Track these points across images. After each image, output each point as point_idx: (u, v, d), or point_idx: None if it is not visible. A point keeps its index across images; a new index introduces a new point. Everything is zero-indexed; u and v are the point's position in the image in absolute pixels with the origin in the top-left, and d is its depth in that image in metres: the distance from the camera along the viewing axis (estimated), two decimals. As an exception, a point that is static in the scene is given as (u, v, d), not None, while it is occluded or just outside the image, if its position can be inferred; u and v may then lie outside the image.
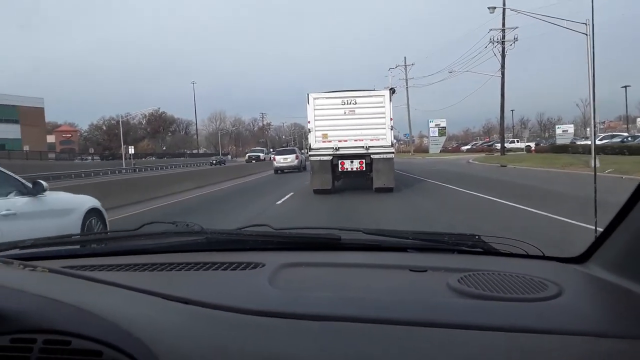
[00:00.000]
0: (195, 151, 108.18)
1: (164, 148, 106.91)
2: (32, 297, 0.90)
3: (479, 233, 1.54)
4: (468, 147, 70.10)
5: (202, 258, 1.43)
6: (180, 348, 0.84)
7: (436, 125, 68.25)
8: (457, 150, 68.55)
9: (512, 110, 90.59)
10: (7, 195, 5.35)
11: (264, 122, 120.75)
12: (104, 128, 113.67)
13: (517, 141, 60.99)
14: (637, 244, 1.06)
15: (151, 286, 1.08)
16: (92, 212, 6.65)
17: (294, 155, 28.93)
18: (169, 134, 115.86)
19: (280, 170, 27.60)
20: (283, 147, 44.03)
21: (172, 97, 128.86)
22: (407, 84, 66.40)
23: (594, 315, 1.00)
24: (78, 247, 1.68)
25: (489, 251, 1.50)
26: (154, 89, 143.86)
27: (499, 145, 54.83)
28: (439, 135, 68.70)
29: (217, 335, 0.91)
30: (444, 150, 68.63)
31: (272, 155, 32.52)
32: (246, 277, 1.27)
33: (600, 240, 1.22)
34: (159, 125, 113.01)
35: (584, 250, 1.30)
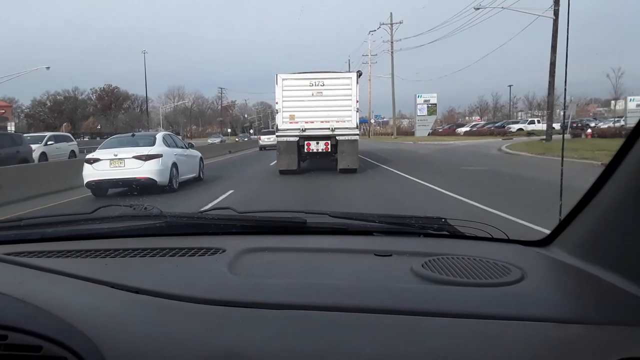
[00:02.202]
0: (151, 131, 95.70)
1: (113, 127, 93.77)
2: None
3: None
4: (466, 128, 56.68)
5: (160, 243, 1.38)
6: (127, 340, 0.82)
7: (425, 101, 56.28)
8: (451, 132, 55.24)
9: (510, 86, 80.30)
10: (183, 147, 12.88)
11: (227, 101, 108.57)
12: (48, 104, 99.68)
13: (538, 121, 47.48)
14: (600, 228, 1.06)
15: (101, 275, 1.05)
16: (201, 159, 14.13)
17: (274, 136, 34.30)
18: (122, 111, 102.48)
19: (264, 148, 34.01)
20: (262, 129, 55.94)
21: (127, 73, 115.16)
22: (392, 48, 53.97)
23: (556, 301, 1.00)
24: (27, 231, 1.56)
25: (455, 234, 1.50)
26: (108, 64, 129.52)
27: (514, 127, 46.09)
28: (428, 114, 56.78)
29: (169, 326, 0.87)
30: (433, 132, 56.88)
31: (259, 136, 40.27)
32: (205, 263, 1.23)
33: (564, 223, 1.21)
34: (110, 101, 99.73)
35: (547, 234, 1.30)
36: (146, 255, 1.29)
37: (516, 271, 1.08)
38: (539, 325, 0.85)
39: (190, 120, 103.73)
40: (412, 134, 59.40)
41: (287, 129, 13.89)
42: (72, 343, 0.78)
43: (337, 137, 13.74)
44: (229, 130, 79.73)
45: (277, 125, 14.21)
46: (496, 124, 53.33)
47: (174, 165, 11.21)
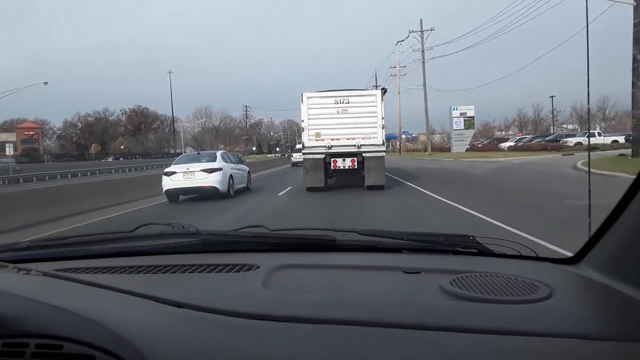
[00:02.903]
0: (178, 150, 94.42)
1: (143, 147, 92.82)
2: (25, 302, 0.91)
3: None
4: (510, 143, 49.47)
5: (197, 260, 1.44)
6: (172, 352, 0.85)
7: (461, 114, 51.46)
8: (493, 147, 49.34)
9: (552, 97, 71.18)
10: (235, 162, 15.49)
11: (253, 119, 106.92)
12: (79, 125, 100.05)
13: (599, 134, 41.51)
14: (628, 245, 1.07)
15: (145, 289, 1.10)
16: (249, 172, 16.77)
17: None
18: (152, 132, 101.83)
19: (295, 165, 33.20)
20: (288, 146, 63.86)
21: (156, 94, 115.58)
22: (423, 57, 48.49)
23: (584, 317, 1.00)
24: (73, 249, 1.66)
25: (483, 252, 1.50)
26: (137, 86, 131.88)
27: (571, 141, 38.28)
28: (465, 128, 51.70)
29: (209, 339, 0.91)
30: (471, 148, 51.04)
31: (291, 154, 42.47)
32: (240, 279, 1.27)
33: (593, 241, 1.22)
34: (140, 122, 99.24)
35: (577, 251, 1.30)
36: (185, 272, 1.34)
37: (544, 288, 1.08)
38: (568, 342, 0.86)
39: (216, 139, 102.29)
40: (447, 149, 55.13)
41: (314, 146, 13.95)
42: (122, 353, 0.82)
43: (363, 154, 13.70)
44: (254, 148, 77.63)
45: (303, 143, 14.30)
46: (546, 138, 46.45)
47: (231, 176, 14.02)
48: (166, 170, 13.74)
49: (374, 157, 13.69)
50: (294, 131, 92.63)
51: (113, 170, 46.55)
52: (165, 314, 0.99)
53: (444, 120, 51.51)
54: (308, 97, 13.94)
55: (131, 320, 0.94)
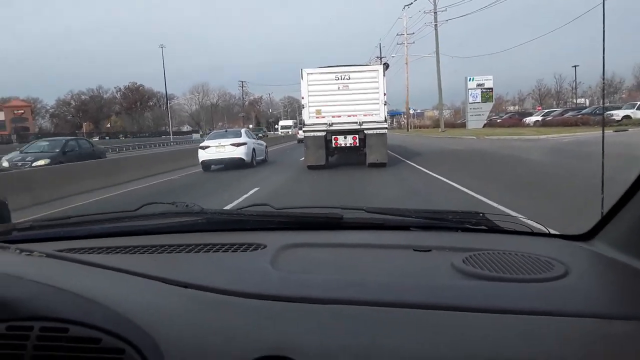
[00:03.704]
0: (174, 129, 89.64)
1: (139, 125, 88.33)
2: (29, 284, 0.90)
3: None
4: (536, 118, 41.45)
5: (202, 239, 1.40)
6: (180, 333, 0.84)
7: (478, 85, 45.00)
8: (516, 123, 42.13)
9: (575, 66, 63.24)
10: (255, 139, 18.38)
11: (252, 96, 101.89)
12: (73, 103, 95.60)
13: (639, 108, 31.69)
14: None
15: (150, 270, 1.08)
16: (266, 147, 19.23)
17: None
18: (148, 110, 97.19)
19: (300, 141, 33.99)
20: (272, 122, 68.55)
21: (152, 71, 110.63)
22: (435, 19, 42.00)
23: (603, 296, 0.98)
24: (76, 228, 1.63)
25: (493, 229, 1.47)
26: (133, 63, 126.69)
27: (617, 114, 29.90)
28: (482, 101, 45.16)
29: (219, 319, 0.90)
30: (489, 123, 44.82)
31: (297, 130, 42.65)
32: (248, 259, 1.25)
33: (607, 217, 1.19)
34: (135, 99, 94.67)
35: (590, 228, 1.27)
36: (191, 251, 1.31)
37: (559, 266, 1.05)
38: (586, 321, 0.85)
39: (213, 116, 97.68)
40: (460, 125, 50.18)
41: (314, 124, 13.72)
42: (129, 335, 0.81)
43: (365, 131, 13.45)
44: (251, 126, 73.51)
45: (303, 121, 14.15)
46: (582, 111, 37.83)
47: (253, 150, 16.79)
48: (201, 144, 16.55)
49: (376, 134, 13.35)
50: (294, 108, 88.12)
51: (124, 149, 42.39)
52: (173, 295, 0.96)
53: (453, 95, 45.95)
54: (308, 74, 13.57)
55: (138, 302, 0.92)
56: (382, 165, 13.36)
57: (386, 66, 14.53)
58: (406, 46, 53.27)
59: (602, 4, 1.36)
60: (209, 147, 15.98)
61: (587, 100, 67.43)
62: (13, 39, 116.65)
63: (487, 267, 1.06)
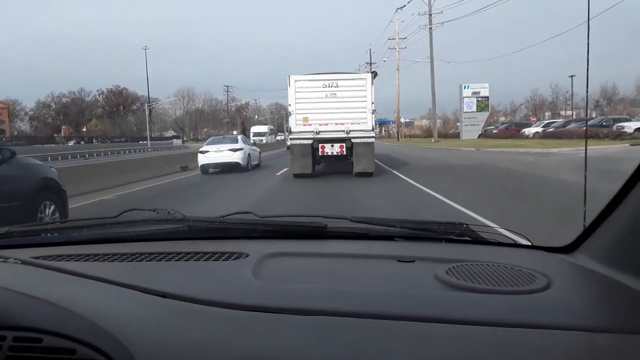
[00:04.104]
0: (162, 134, 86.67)
1: (121, 130, 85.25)
2: (2, 292, 0.89)
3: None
4: (536, 129, 38.55)
5: (184, 247, 1.39)
6: (157, 344, 0.83)
7: (473, 93, 43.14)
8: (513, 134, 39.57)
9: (572, 76, 61.05)
10: (250, 145, 19.77)
11: (239, 102, 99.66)
12: (53, 106, 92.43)
13: None
14: (627, 234, 1.05)
15: (128, 278, 1.07)
16: (259, 152, 20.80)
17: None
18: (131, 114, 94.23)
19: (289, 148, 36.18)
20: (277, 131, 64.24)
21: (137, 75, 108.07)
22: (430, 21, 40.17)
23: (585, 309, 0.99)
24: (54, 235, 1.62)
25: (477, 240, 1.48)
26: (116, 67, 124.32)
27: (629, 126, 26.80)
28: (477, 110, 43.23)
29: (196, 330, 0.88)
30: (485, 134, 42.57)
31: (287, 137, 46.32)
32: (229, 268, 1.23)
33: (589, 230, 1.20)
34: (118, 103, 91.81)
35: (572, 240, 1.28)
36: (171, 260, 1.29)
37: (542, 278, 1.06)
38: (568, 334, 0.85)
39: (197, 122, 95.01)
40: (453, 136, 48.10)
41: (301, 132, 13.61)
42: (104, 346, 0.80)
43: (352, 140, 13.40)
44: (235, 132, 70.85)
45: (290, 128, 14.04)
46: (589, 122, 33.84)
47: (248, 155, 18.06)
48: (201, 149, 17.73)
49: (363, 142, 13.30)
50: (281, 115, 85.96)
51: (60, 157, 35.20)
52: (150, 305, 0.95)
53: (444, 103, 43.87)
54: (295, 81, 13.54)
55: (114, 312, 0.90)
56: (368, 175, 13.25)
57: (374, 74, 14.65)
58: (398, 51, 51.87)
59: (588, 15, 1.33)
60: (208, 151, 17.36)
61: (581, 111, 65.96)
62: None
63: (470, 279, 1.06)
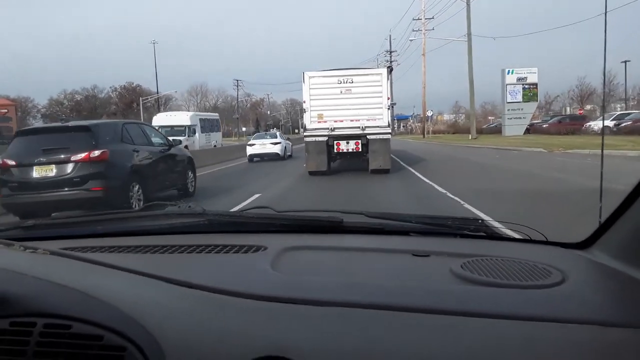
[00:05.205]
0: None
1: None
2: (32, 281, 0.91)
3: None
4: (606, 123, 29.52)
5: (204, 240, 1.42)
6: (183, 333, 0.85)
7: (519, 80, 34.39)
8: (573, 129, 31.68)
9: (626, 61, 51.19)
10: (284, 139, 27.59)
11: (255, 98, 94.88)
12: (66, 103, 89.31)
13: None
14: None
15: (153, 269, 1.09)
16: (291, 145, 27.84)
17: None
18: (145, 110, 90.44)
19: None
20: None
21: (152, 72, 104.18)
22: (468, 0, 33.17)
23: (599, 303, 1.00)
24: (80, 228, 1.66)
25: (492, 236, 1.49)
26: (131, 64, 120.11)
27: None
28: (523, 101, 34.50)
29: (219, 319, 0.91)
30: (533, 129, 34.46)
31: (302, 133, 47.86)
32: (249, 260, 1.27)
33: (605, 226, 1.21)
34: (131, 99, 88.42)
35: (587, 236, 1.28)
36: (193, 252, 1.32)
37: (557, 273, 1.07)
38: (582, 328, 0.86)
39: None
40: (490, 131, 41.21)
41: (316, 129, 13.63)
42: (131, 334, 0.82)
43: (367, 137, 13.37)
44: (244, 128, 66.14)
45: (305, 125, 14.02)
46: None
47: (285, 147, 24.45)
48: (248, 143, 24.71)
49: (379, 139, 13.25)
50: (296, 111, 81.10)
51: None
52: (175, 295, 0.97)
53: (469, 96, 35.13)
54: (310, 77, 13.50)
55: (141, 301, 0.93)
56: (385, 171, 13.25)
57: (390, 69, 14.85)
58: (424, 32, 44.33)
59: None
60: (254, 144, 23.72)
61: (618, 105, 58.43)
62: (3, 38, 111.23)
63: (485, 273, 1.07)
